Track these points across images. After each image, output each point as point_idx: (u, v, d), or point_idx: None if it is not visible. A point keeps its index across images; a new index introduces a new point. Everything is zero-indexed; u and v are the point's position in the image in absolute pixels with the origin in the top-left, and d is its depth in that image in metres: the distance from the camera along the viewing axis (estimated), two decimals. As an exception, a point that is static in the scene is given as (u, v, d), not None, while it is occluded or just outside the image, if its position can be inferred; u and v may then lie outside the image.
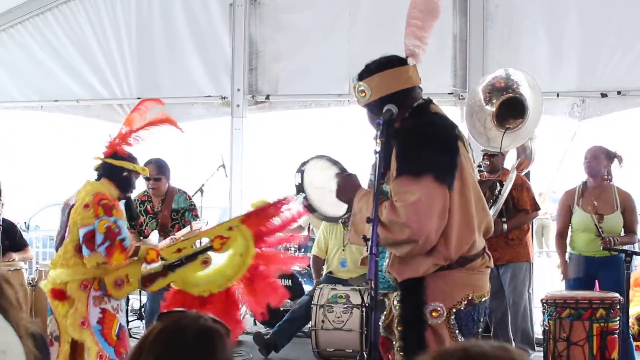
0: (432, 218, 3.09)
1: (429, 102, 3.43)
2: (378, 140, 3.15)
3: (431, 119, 3.35)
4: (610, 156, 6.05)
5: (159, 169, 6.24)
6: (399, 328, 3.28)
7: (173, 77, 9.22)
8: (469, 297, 3.29)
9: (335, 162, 3.70)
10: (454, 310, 3.25)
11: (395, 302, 3.36)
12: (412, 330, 3.23)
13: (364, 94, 3.37)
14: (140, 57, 9.32)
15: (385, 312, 3.52)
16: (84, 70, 9.43)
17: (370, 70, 3.41)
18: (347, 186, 3.41)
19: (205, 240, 4.45)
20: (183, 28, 9.17)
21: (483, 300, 3.36)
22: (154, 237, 6.04)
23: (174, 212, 6.21)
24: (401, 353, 3.26)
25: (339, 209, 3.54)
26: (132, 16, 9.31)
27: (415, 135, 3.23)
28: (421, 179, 3.09)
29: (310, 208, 3.68)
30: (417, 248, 3.13)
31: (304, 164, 3.73)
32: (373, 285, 2.94)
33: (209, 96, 9.15)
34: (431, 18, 3.52)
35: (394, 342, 3.37)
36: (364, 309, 6.47)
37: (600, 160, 5.99)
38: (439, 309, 3.23)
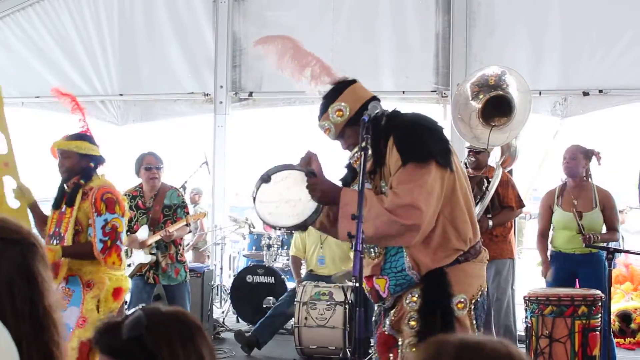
0: (432, 201, 3.16)
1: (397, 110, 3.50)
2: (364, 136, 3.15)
3: (417, 114, 3.43)
4: (589, 155, 6.09)
5: (159, 159, 6.26)
6: (412, 323, 3.31)
7: (155, 73, 9.20)
8: (482, 288, 3.40)
9: (288, 167, 3.49)
10: (473, 301, 3.33)
11: (410, 298, 3.34)
12: (435, 323, 3.24)
13: (341, 113, 3.36)
14: (122, 53, 9.28)
15: (394, 310, 3.46)
16: (66, 66, 9.38)
17: (337, 92, 3.42)
18: (327, 188, 3.35)
19: None
20: (166, 24, 9.14)
21: (486, 290, 3.47)
22: (143, 232, 6.02)
23: (166, 208, 6.18)
24: (412, 348, 3.28)
25: (293, 218, 3.41)
26: (114, 12, 9.27)
27: (414, 126, 3.30)
28: (427, 165, 3.17)
29: (268, 224, 3.58)
30: (420, 233, 3.16)
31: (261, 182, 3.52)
32: (358, 282, 2.94)
33: (192, 93, 9.12)
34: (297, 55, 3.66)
35: (399, 341, 3.39)
36: (347, 306, 6.47)
37: (578, 161, 6.03)
38: (462, 300, 3.30)
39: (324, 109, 3.40)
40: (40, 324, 1.98)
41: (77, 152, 4.61)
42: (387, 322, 3.44)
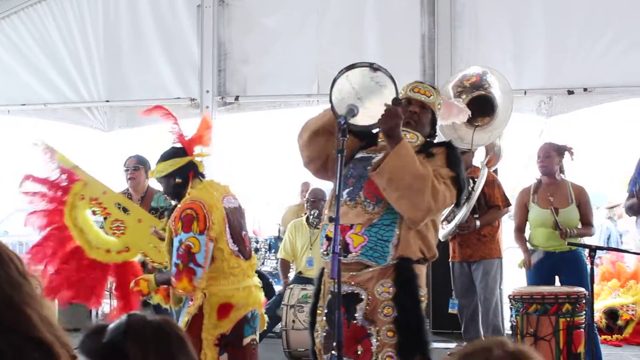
0: (448, 202, 3.70)
1: None
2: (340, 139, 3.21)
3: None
4: (561, 152, 6.14)
5: (138, 160, 6.45)
6: (386, 311, 3.53)
7: (141, 79, 9.17)
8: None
9: (392, 79, 3.62)
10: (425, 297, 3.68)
11: (382, 289, 3.55)
12: (409, 311, 3.53)
13: (439, 107, 4.00)
14: (108, 59, 9.25)
15: (364, 302, 3.58)
16: (52, 73, 9.35)
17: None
18: (397, 121, 3.50)
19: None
20: (150, 30, 9.12)
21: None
22: None
23: (152, 210, 6.23)
24: (389, 334, 3.51)
25: (346, 114, 3.37)
26: (99, 19, 9.25)
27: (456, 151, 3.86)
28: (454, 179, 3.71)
29: (330, 98, 3.58)
30: (420, 216, 3.54)
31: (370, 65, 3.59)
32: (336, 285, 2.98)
33: (178, 98, 9.10)
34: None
35: (370, 330, 3.56)
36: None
37: (552, 159, 6.09)
38: (424, 294, 3.64)
39: (437, 91, 4.06)
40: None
41: (160, 177, 4.28)
42: (360, 314, 3.58)
